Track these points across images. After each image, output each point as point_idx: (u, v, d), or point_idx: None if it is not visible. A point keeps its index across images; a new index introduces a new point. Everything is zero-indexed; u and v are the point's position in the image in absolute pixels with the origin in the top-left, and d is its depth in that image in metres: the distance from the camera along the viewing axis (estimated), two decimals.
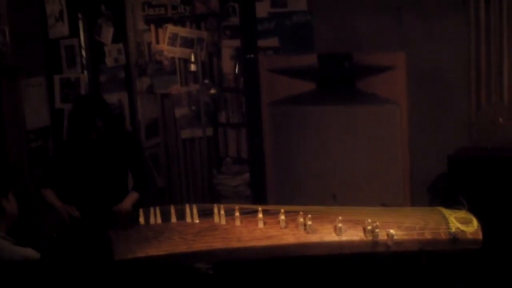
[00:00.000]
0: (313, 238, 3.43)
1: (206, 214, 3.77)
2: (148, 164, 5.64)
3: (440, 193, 5.01)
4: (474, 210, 3.66)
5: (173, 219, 3.76)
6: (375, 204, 4.16)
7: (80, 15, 5.47)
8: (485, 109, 5.33)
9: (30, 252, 3.30)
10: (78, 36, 5.48)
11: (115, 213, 4.31)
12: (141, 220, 3.78)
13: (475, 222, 3.51)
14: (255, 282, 3.54)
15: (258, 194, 5.75)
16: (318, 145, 5.38)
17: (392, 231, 3.38)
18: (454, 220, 3.49)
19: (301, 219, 3.51)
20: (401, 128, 5.27)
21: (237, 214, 3.66)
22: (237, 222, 3.64)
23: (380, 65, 5.31)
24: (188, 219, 3.74)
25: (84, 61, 5.52)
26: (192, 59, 5.96)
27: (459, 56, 5.52)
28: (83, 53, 5.50)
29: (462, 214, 3.61)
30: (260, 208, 3.65)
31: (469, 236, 3.42)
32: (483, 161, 4.99)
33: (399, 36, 5.58)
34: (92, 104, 4.52)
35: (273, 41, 5.99)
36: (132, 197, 4.52)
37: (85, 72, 5.52)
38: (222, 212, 3.71)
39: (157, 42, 6.08)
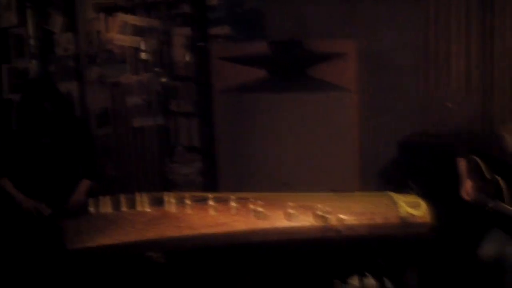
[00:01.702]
0: (264, 224, 3.44)
1: (157, 202, 3.76)
2: (99, 153, 5.58)
3: (390, 178, 5.06)
4: (423, 194, 3.72)
5: (124, 208, 3.74)
6: (327, 190, 4.19)
7: (28, 4, 5.38)
8: (435, 94, 5.40)
9: None
10: (26, 25, 5.39)
11: (67, 202, 4.27)
12: (92, 209, 3.75)
13: (424, 206, 3.57)
14: (207, 269, 3.54)
15: (210, 182, 5.74)
16: (269, 132, 5.39)
17: (342, 216, 3.42)
18: (403, 204, 3.53)
19: (252, 206, 3.52)
20: (352, 114, 5.31)
21: (188, 202, 3.66)
22: (188, 210, 3.64)
23: (331, 52, 5.34)
24: (139, 208, 3.73)
25: (32, 51, 5.43)
26: (143, 47, 5.91)
27: (409, 41, 5.57)
28: (32, 42, 5.42)
29: (412, 198, 3.66)
30: (211, 196, 3.65)
31: (418, 220, 3.47)
32: (432, 146, 5.06)
33: (350, 22, 5.61)
34: (43, 88, 4.46)
35: (224, 29, 5.96)
36: (83, 186, 4.47)
37: (34, 62, 5.44)
38: (173, 200, 3.70)
39: (107, 30, 6.01)
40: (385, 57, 5.61)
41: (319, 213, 3.41)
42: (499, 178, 4.18)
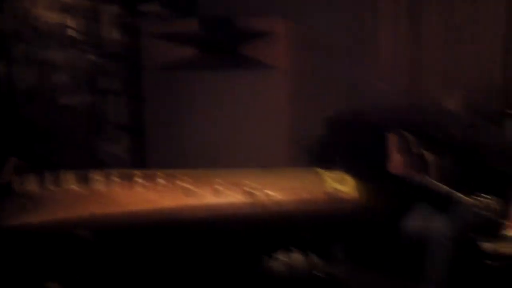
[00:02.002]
0: (192, 201, 3.44)
1: (83, 180, 3.71)
2: (28, 130, 5.48)
3: (319, 155, 5.10)
4: (351, 170, 3.76)
5: (50, 186, 3.68)
6: (255, 167, 4.21)
7: None
8: (364, 72, 5.47)
9: None
10: None
11: None
12: (17, 187, 3.68)
13: (351, 182, 3.61)
14: (136, 247, 3.52)
15: (139, 160, 5.71)
16: (199, 111, 5.38)
17: (269, 192, 3.43)
18: (330, 180, 3.57)
19: (180, 183, 3.51)
20: (283, 92, 5.34)
21: (115, 179, 3.62)
22: (116, 188, 3.60)
23: (263, 30, 5.35)
24: (65, 186, 3.67)
25: None
26: (71, 24, 5.81)
27: (341, 21, 5.62)
28: None
29: (339, 174, 3.70)
30: (138, 173, 3.63)
31: (345, 195, 3.51)
32: (361, 123, 5.12)
33: (285, 2, 5.63)
34: None
35: (154, 6, 5.90)
36: (9, 163, 4.38)
37: None
38: (100, 178, 3.66)
39: (34, 7, 5.88)
40: (316, 37, 5.66)
41: (247, 189, 3.42)
42: (426, 153, 4.27)
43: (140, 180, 3.57)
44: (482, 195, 3.66)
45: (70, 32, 5.80)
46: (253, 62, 5.33)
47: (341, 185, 3.57)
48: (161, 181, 3.54)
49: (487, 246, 3.64)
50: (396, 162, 4.44)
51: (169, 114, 5.47)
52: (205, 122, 5.36)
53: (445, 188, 4.00)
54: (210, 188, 3.50)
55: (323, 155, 4.97)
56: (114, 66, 5.97)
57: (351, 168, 3.81)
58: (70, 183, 3.67)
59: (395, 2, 5.39)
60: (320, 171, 3.70)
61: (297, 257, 3.64)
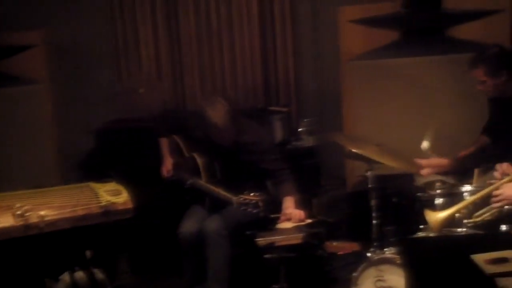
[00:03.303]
0: None
1: None
2: None
3: (90, 168, 5.04)
4: (124, 180, 3.75)
5: None
6: (27, 187, 4.07)
7: None
8: (127, 80, 5.48)
9: None
10: None
11: None
12: None
13: (124, 193, 3.60)
14: None
15: None
16: None
17: (43, 212, 3.33)
18: (104, 193, 3.53)
19: None
20: (45, 106, 5.20)
21: None
22: None
23: (19, 44, 5.18)
24: None
25: None
26: None
27: (98, 30, 5.58)
28: None
29: (112, 186, 3.67)
30: None
31: (120, 207, 3.49)
32: (130, 131, 5.14)
33: (39, 13, 5.49)
34: None
35: None
36: None
37: None
38: None
39: None
40: (75, 47, 5.58)
41: (19, 212, 3.30)
42: (196, 156, 4.37)
43: None
44: (251, 194, 3.80)
45: None
46: (14, 80, 5.14)
47: (115, 196, 3.54)
48: None
49: (263, 240, 3.80)
50: (169, 165, 4.50)
51: None
52: None
53: (216, 189, 4.12)
54: None
55: (94, 168, 4.93)
56: None
57: (125, 178, 3.80)
58: None
59: (152, 6, 5.40)
60: (93, 185, 3.65)
61: (80, 276, 3.59)
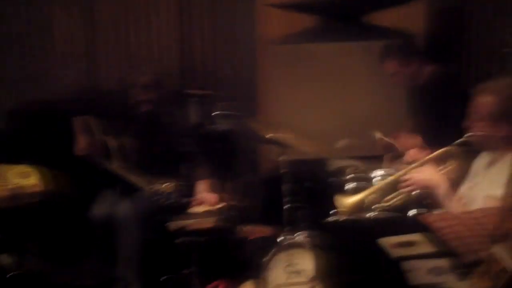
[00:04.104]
0: None
1: None
2: None
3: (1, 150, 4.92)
4: (37, 162, 3.67)
5: None
6: None
7: None
8: (41, 62, 5.38)
9: None
10: None
11: None
12: None
13: (34, 175, 3.52)
14: None
15: None
16: None
17: None
18: (12, 176, 3.46)
19: None
20: None
21: None
22: None
23: None
24: None
25: None
26: None
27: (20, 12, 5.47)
28: None
29: (21, 168, 3.59)
30: None
31: (29, 190, 3.42)
32: (44, 112, 5.05)
33: None
34: None
35: None
36: None
37: None
38: None
39: None
40: None
41: None
42: (108, 138, 4.31)
43: None
44: (163, 184, 3.77)
45: None
46: None
47: (25, 179, 3.47)
48: None
49: (175, 225, 3.77)
50: (81, 144, 4.42)
51: None
52: None
53: (127, 174, 4.07)
54: None
55: (4, 150, 4.80)
56: None
57: (37, 159, 3.72)
58: None
59: None
60: (1, 167, 3.56)
61: None
